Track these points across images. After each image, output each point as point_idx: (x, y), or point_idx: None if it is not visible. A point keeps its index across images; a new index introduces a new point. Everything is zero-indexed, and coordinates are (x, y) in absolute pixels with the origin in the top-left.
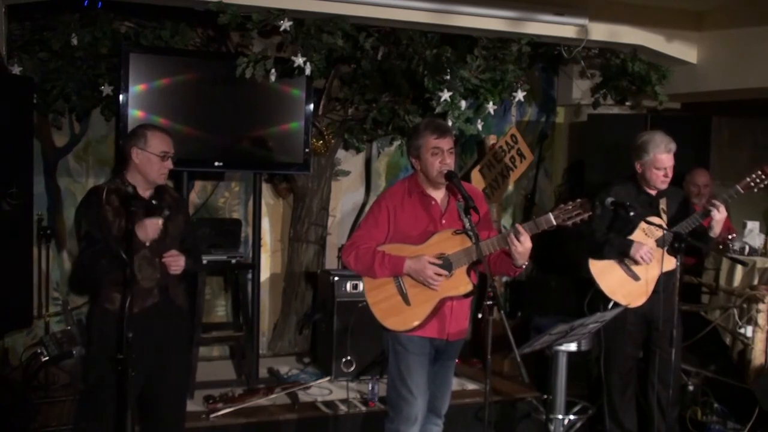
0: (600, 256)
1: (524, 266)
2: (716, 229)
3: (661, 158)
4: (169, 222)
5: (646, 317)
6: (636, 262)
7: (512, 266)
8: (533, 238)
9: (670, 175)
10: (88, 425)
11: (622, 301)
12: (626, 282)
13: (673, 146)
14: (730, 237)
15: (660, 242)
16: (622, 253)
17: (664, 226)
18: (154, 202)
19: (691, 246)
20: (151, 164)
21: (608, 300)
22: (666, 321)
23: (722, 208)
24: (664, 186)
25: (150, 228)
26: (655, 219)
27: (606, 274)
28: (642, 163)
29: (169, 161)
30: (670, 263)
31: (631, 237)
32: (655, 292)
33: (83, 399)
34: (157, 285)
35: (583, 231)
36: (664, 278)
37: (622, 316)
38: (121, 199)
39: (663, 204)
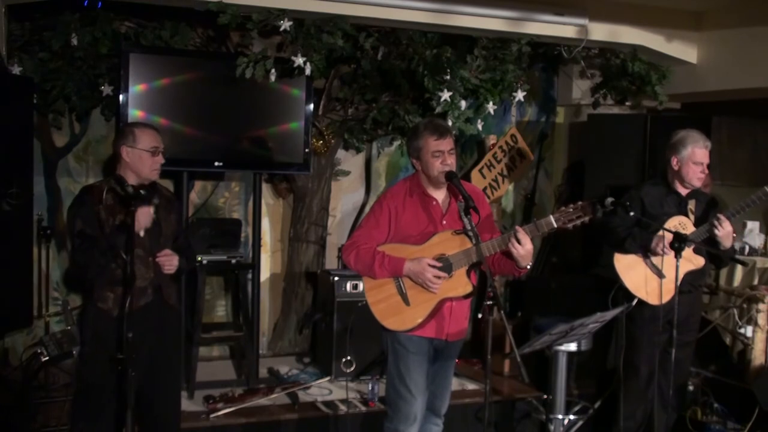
0: (622, 249)
1: (528, 267)
2: (725, 243)
3: (699, 152)
4: (162, 221)
5: (667, 317)
6: (658, 255)
7: (516, 268)
8: (536, 239)
9: (706, 172)
10: (86, 425)
11: (646, 298)
12: (651, 279)
13: (709, 144)
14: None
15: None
16: (644, 246)
17: (684, 231)
18: (142, 192)
19: (708, 251)
20: (143, 161)
21: (632, 296)
22: (684, 323)
23: (726, 224)
24: (699, 183)
25: (142, 217)
26: (681, 219)
27: (631, 270)
28: (679, 159)
29: (160, 156)
30: (695, 262)
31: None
32: (679, 292)
33: (78, 399)
34: (151, 284)
35: (609, 224)
36: (689, 278)
37: (646, 313)
38: (120, 198)
39: (692, 205)
